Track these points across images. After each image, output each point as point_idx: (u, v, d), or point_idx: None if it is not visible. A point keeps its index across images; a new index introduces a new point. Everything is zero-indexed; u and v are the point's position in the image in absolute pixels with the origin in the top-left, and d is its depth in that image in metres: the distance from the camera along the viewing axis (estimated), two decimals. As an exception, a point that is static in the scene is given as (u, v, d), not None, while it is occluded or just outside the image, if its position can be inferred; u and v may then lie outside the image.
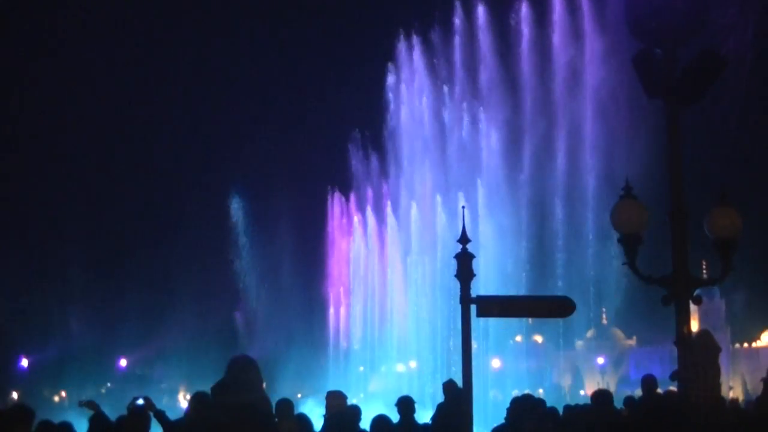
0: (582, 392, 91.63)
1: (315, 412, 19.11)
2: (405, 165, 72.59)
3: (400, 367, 76.94)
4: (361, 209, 76.83)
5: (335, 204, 79.38)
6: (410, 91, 73.02)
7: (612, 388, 62.77)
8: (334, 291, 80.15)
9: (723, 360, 14.88)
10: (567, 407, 18.46)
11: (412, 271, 72.28)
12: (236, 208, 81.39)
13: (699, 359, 12.96)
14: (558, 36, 67.64)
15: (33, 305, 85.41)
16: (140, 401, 14.61)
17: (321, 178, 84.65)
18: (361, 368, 78.88)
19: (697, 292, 12.96)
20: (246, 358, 12.06)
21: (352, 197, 77.56)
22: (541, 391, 74.54)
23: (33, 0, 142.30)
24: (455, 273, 13.73)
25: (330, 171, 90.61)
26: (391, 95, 73.12)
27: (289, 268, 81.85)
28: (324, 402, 16.71)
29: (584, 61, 67.40)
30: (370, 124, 76.37)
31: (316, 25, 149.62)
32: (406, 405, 16.06)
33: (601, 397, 17.06)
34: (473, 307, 13.54)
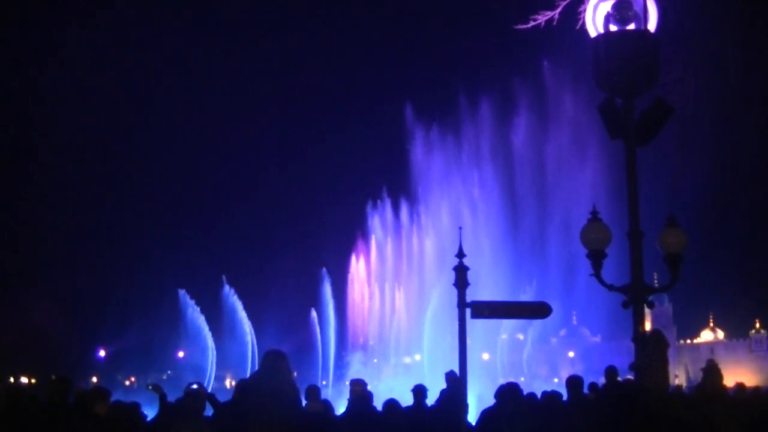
0: (555, 380, 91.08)
1: (329, 395, 19.13)
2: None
3: (407, 360, 76.78)
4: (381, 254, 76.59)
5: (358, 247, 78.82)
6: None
7: (580, 377, 62.59)
8: (355, 298, 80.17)
9: (670, 353, 14.76)
10: (544, 393, 18.28)
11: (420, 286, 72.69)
12: None
13: (652, 353, 12.87)
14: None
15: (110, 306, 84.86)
16: (195, 386, 14.54)
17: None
18: (375, 360, 78.84)
19: (650, 297, 12.90)
20: (278, 351, 11.90)
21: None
22: (522, 379, 74.07)
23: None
24: (453, 282, 13.61)
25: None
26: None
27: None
28: (344, 388, 16.66)
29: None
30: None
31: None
32: (419, 391, 16.10)
33: (573, 380, 16.80)
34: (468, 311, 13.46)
